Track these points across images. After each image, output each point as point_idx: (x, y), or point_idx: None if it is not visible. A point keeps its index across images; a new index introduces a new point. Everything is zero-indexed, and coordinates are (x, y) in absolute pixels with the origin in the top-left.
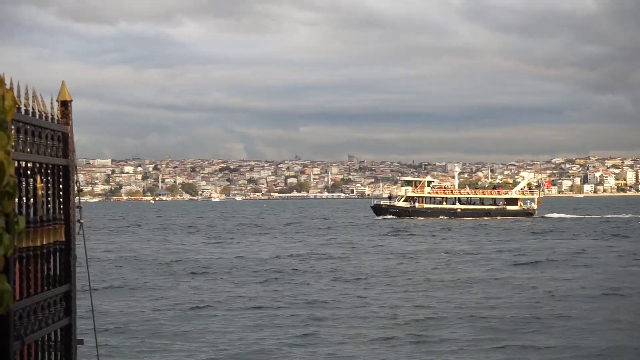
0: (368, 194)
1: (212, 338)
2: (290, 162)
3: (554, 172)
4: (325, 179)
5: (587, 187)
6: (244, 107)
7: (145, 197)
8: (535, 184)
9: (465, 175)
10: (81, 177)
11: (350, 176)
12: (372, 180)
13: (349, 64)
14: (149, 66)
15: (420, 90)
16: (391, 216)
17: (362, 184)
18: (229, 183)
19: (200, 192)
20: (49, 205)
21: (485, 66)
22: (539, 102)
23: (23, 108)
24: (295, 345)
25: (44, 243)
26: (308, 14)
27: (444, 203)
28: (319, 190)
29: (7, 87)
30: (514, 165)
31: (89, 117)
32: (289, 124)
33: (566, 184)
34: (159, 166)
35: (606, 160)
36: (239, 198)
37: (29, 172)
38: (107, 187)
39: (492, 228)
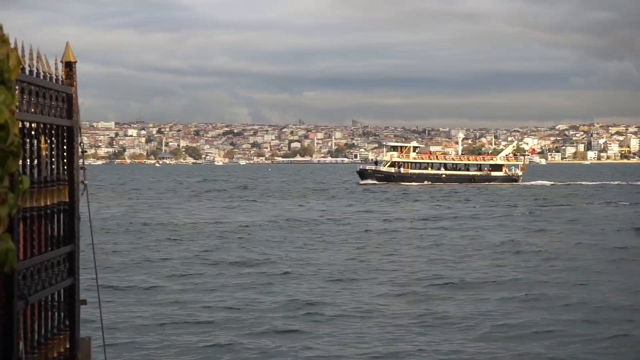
0: (371, 159)
1: (177, 287)
2: (294, 127)
3: (558, 138)
4: (329, 144)
5: (591, 154)
6: (249, 71)
7: (149, 161)
8: (538, 150)
9: (469, 141)
10: (85, 139)
11: (354, 141)
12: (376, 145)
13: (355, 29)
14: (153, 30)
15: (426, 56)
16: (376, 181)
17: (365, 149)
18: (232, 147)
19: (203, 156)
20: (53, 166)
21: (491, 32)
22: (545, 68)
23: (27, 69)
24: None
25: (48, 204)
26: None
27: (429, 168)
28: (323, 155)
29: (12, 47)
30: (518, 131)
31: (94, 80)
32: (294, 88)
33: (570, 150)
34: (162, 130)
35: (610, 127)
36: (242, 162)
37: (33, 133)
38: (110, 150)
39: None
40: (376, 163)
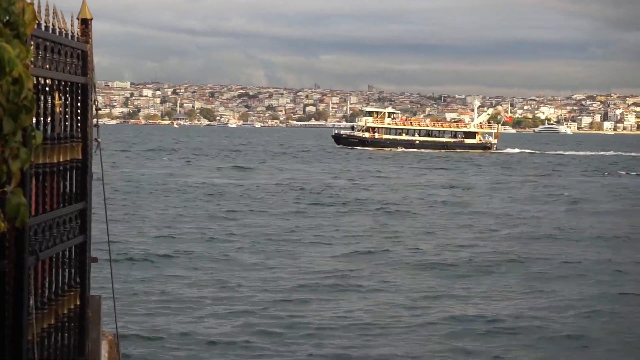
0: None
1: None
2: (309, 91)
3: (575, 108)
4: (344, 109)
5: (607, 125)
6: (266, 33)
7: (163, 122)
8: (555, 119)
9: (485, 109)
10: (99, 98)
11: (369, 106)
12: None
13: None
14: None
15: (444, 22)
16: (351, 146)
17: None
18: (247, 109)
19: (218, 118)
20: (67, 123)
21: (510, 0)
22: (563, 37)
23: (43, 24)
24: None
25: (61, 160)
26: None
27: (403, 134)
28: (337, 119)
29: (28, 1)
30: (534, 100)
31: (110, 39)
32: (310, 51)
33: (586, 120)
34: (177, 90)
35: (627, 98)
36: (257, 125)
37: (47, 89)
38: (125, 110)
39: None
40: (352, 128)
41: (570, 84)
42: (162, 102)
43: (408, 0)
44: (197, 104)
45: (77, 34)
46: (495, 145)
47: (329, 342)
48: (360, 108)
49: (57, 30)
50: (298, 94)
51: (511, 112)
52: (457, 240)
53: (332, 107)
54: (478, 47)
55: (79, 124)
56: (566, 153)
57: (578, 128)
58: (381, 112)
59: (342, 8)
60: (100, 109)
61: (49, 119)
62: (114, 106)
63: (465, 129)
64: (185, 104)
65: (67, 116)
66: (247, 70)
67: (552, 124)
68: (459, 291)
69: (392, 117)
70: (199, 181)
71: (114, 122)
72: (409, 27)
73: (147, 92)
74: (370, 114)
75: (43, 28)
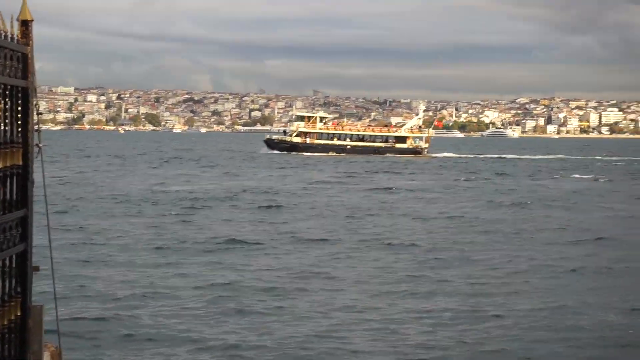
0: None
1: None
2: (255, 95)
3: (519, 112)
4: (290, 113)
5: (551, 128)
6: (211, 38)
7: (108, 127)
8: (499, 124)
9: (430, 113)
10: (43, 104)
11: (314, 111)
12: (337, 115)
13: None
14: None
15: (390, 27)
16: (282, 151)
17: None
18: (192, 115)
19: (163, 123)
20: (6, 128)
21: (456, 3)
22: (508, 41)
23: None
24: None
25: (0, 166)
26: None
27: (335, 139)
28: (283, 124)
29: None
30: (479, 104)
31: (53, 43)
32: (256, 57)
33: (530, 124)
34: (122, 96)
35: (570, 102)
36: (203, 130)
37: None
38: (69, 115)
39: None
40: (285, 132)
41: (515, 88)
42: (107, 107)
43: (354, 5)
44: (142, 109)
45: (17, 35)
46: (426, 150)
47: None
48: (306, 112)
49: None
50: (244, 98)
51: (456, 116)
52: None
53: (278, 112)
54: (424, 51)
55: (19, 129)
56: (493, 156)
57: (522, 132)
58: (313, 117)
59: (288, 13)
60: (41, 114)
61: None
62: (57, 111)
63: (396, 134)
64: (130, 109)
65: (6, 121)
66: (193, 75)
67: (499, 128)
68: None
69: (324, 121)
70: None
71: (58, 127)
72: (355, 31)
73: (92, 97)
74: (302, 118)
75: None
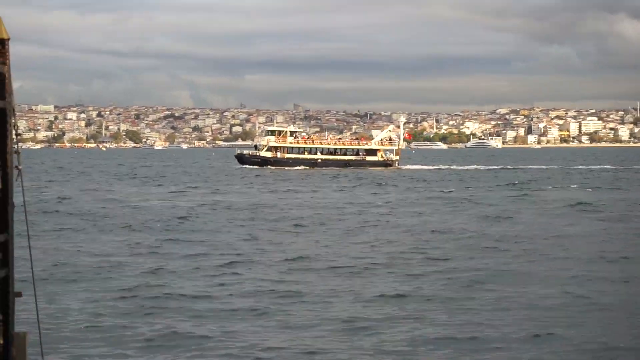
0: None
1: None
2: (235, 110)
3: (499, 122)
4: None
5: (531, 138)
6: (190, 54)
7: (89, 145)
8: (479, 134)
9: (411, 125)
10: (23, 123)
11: (295, 125)
12: (318, 129)
13: (297, 12)
14: (94, 10)
15: (369, 39)
16: (253, 165)
17: (307, 133)
18: (173, 131)
19: (144, 140)
20: None
21: (435, 16)
22: (487, 52)
23: None
24: None
25: None
26: None
27: (306, 153)
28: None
29: None
30: (459, 115)
31: (33, 62)
32: (236, 72)
33: (510, 134)
34: (102, 113)
35: (550, 112)
36: (184, 146)
37: None
38: (49, 133)
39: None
40: (256, 147)
41: (494, 98)
42: (87, 124)
43: (332, 17)
44: (123, 126)
45: None
46: (397, 162)
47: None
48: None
49: None
50: (224, 114)
51: (437, 128)
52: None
53: (259, 127)
54: (403, 63)
55: None
56: (459, 167)
57: (503, 142)
58: (283, 131)
59: (266, 27)
60: (20, 135)
61: None
62: (38, 130)
63: (366, 147)
64: (110, 127)
65: None
66: (173, 91)
67: (482, 139)
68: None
69: (294, 135)
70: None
71: (38, 146)
72: (333, 44)
73: (72, 115)
74: (272, 133)
75: None
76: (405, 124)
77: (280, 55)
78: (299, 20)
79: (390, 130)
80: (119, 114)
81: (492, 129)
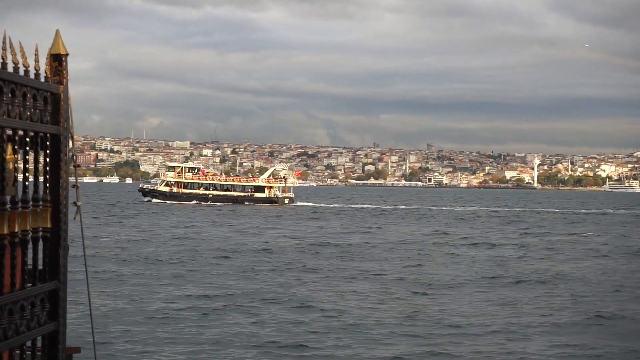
0: (445, 183)
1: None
2: (368, 149)
3: (636, 165)
4: (403, 167)
5: None
6: (326, 92)
7: None
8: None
9: (545, 167)
10: (159, 158)
11: (428, 165)
12: (451, 169)
13: (433, 52)
14: (232, 50)
15: (504, 80)
16: (154, 199)
17: (440, 173)
18: (306, 168)
19: None
20: (26, 183)
21: (572, 58)
22: (625, 94)
23: None
24: None
25: (21, 229)
26: (394, 1)
27: (200, 188)
28: (397, 178)
29: None
30: (595, 157)
31: (172, 99)
32: (371, 111)
33: None
34: (237, 150)
35: None
36: (313, 184)
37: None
38: None
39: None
40: (157, 182)
41: (633, 141)
42: (222, 161)
43: (469, 59)
44: (257, 163)
45: (46, 72)
46: (286, 199)
47: None
48: (419, 166)
49: (13, 66)
50: (357, 152)
51: (571, 170)
52: None
53: (392, 166)
54: (539, 104)
55: (47, 184)
56: (356, 206)
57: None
58: (181, 167)
59: (402, 67)
60: (79, 165)
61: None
62: None
63: (254, 184)
64: (244, 163)
65: (27, 174)
66: (308, 129)
67: (616, 181)
68: None
69: (193, 172)
70: None
71: None
72: (469, 85)
73: (207, 152)
74: (172, 168)
75: None
76: (539, 165)
77: (415, 95)
78: (435, 60)
79: (283, 169)
80: (253, 151)
81: (629, 172)
